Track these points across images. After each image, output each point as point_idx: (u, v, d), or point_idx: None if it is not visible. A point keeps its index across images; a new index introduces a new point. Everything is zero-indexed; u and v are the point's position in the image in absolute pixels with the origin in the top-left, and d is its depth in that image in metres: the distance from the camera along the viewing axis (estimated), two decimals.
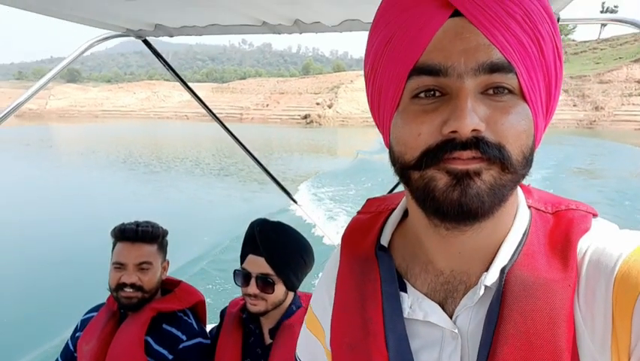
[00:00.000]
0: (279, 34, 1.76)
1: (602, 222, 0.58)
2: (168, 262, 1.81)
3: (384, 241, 0.66)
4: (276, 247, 1.53)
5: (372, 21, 0.57)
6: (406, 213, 0.67)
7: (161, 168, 23.79)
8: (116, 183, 19.40)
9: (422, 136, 0.50)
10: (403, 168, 0.54)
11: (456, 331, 0.57)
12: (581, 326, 0.51)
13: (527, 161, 0.51)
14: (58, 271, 8.44)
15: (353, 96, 70.42)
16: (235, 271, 1.58)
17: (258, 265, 1.52)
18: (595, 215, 0.58)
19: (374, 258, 0.65)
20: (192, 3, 1.41)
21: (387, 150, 0.58)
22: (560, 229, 0.57)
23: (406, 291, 0.61)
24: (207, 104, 2.45)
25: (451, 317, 0.58)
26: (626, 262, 0.49)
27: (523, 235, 0.57)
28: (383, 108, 0.56)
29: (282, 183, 2.64)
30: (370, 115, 0.61)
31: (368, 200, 0.75)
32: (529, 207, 0.61)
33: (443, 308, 0.58)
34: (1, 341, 6.07)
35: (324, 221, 10.61)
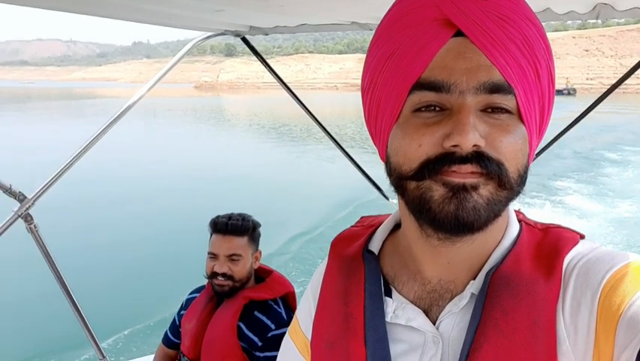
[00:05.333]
0: (370, 30, 1.77)
1: (590, 241, 0.59)
2: (260, 252, 1.89)
3: (373, 247, 0.67)
4: None
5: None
6: (398, 226, 0.68)
7: (308, 138, 25.93)
8: (271, 149, 22.13)
9: (422, 147, 0.50)
10: (399, 179, 0.54)
11: (437, 335, 0.57)
12: (563, 335, 0.51)
13: (522, 179, 0.53)
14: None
15: None
16: None
17: None
18: (582, 237, 0.59)
19: (361, 258, 0.66)
20: (280, 11, 1.48)
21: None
22: (549, 240, 0.58)
23: (391, 296, 0.62)
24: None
25: (434, 323, 0.58)
26: (612, 277, 0.50)
27: (512, 243, 0.58)
28: (381, 120, 0.56)
29: None
30: None
31: (362, 217, 0.78)
32: (520, 221, 0.62)
33: (427, 315, 0.58)
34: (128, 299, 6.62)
35: None
